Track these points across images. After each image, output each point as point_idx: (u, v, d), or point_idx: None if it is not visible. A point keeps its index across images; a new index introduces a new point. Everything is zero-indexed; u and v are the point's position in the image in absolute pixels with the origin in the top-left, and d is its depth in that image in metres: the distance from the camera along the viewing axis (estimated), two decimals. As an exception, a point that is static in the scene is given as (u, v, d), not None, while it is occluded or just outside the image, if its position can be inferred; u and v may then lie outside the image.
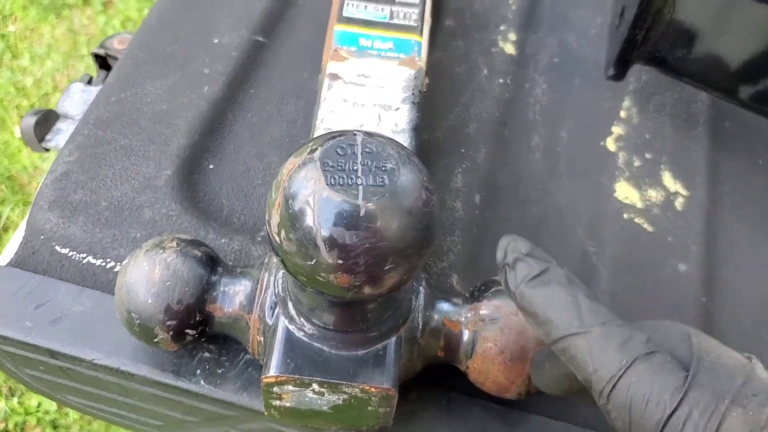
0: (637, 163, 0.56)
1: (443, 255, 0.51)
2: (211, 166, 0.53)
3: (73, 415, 1.29)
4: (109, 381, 0.47)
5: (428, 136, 0.56)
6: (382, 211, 0.31)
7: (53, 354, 0.45)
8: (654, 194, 0.55)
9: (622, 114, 0.59)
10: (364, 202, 0.31)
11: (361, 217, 0.31)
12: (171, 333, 0.41)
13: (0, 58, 1.67)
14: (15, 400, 1.29)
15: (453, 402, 0.45)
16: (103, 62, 0.63)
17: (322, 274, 0.32)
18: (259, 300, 0.41)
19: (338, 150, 0.33)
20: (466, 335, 0.41)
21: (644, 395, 0.29)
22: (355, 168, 0.32)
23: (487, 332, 0.41)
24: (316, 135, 0.48)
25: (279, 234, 0.32)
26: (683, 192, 0.55)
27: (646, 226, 0.53)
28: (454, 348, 0.42)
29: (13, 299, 0.46)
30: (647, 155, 0.57)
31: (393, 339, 0.40)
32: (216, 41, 0.59)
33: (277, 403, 0.40)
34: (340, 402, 0.39)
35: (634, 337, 0.31)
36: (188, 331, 0.41)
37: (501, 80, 0.60)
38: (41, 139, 0.55)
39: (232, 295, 0.41)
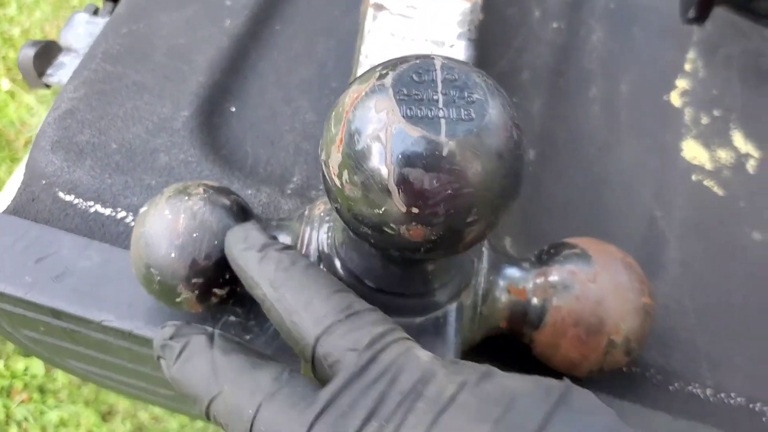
0: (704, 121, 0.51)
1: (494, 215, 0.45)
2: (233, 109, 0.48)
3: (61, 379, 1.23)
4: (119, 346, 0.41)
5: (476, 83, 0.50)
6: (468, 151, 0.26)
7: (57, 314, 0.40)
8: (724, 155, 0.50)
9: (687, 67, 0.53)
10: (448, 139, 0.25)
11: (444, 156, 0.25)
12: (196, 292, 0.35)
13: (-13, 6, 1.59)
14: (1, 363, 1.24)
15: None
16: (111, -8, 0.56)
17: (392, 225, 0.27)
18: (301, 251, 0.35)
19: (414, 76, 0.27)
20: (533, 304, 0.36)
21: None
22: (435, 98, 0.27)
23: (559, 301, 0.35)
24: (359, 73, 0.42)
25: (340, 176, 0.27)
26: (755, 154, 0.50)
27: (716, 189, 0.48)
28: (519, 318, 0.36)
29: (10, 252, 0.40)
30: (715, 112, 0.51)
31: (454, 306, 0.34)
32: (238, -29, 0.53)
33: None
34: (391, 376, 0.34)
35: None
36: (216, 290, 0.35)
37: (555, 24, 0.54)
38: (41, 74, 0.49)
39: (266, 250, 0.35)
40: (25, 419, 1.22)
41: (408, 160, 0.25)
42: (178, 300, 0.35)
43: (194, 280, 0.35)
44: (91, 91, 0.46)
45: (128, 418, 1.25)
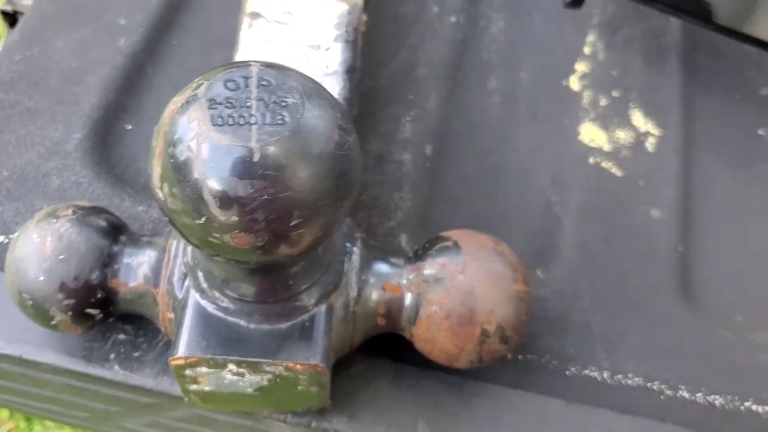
0: (603, 103, 0.51)
1: (390, 213, 0.45)
2: (129, 127, 0.48)
3: None
4: (16, 372, 0.41)
5: (371, 84, 0.50)
6: (282, 155, 0.26)
7: (-54, 345, 0.40)
8: (623, 135, 0.50)
9: (586, 50, 0.53)
10: (259, 145, 0.26)
11: (256, 162, 0.25)
12: (70, 314, 0.35)
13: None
14: None
15: (401, 375, 0.40)
16: (13, 20, 0.56)
17: (215, 234, 0.27)
18: (167, 271, 0.35)
19: (228, 84, 0.27)
20: (408, 299, 0.36)
21: None
22: (248, 104, 0.27)
23: (431, 294, 0.35)
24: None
25: (162, 189, 0.27)
26: (655, 132, 0.50)
27: (614, 170, 0.48)
28: (395, 315, 0.37)
29: None
30: (614, 93, 0.51)
31: (323, 308, 0.34)
32: (134, -11, 0.53)
33: (194, 387, 0.35)
34: (265, 383, 0.34)
35: None
36: (90, 310, 0.36)
37: (453, 19, 0.54)
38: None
39: (136, 267, 0.36)
40: (14, 450, 1.22)
41: (221, 169, 0.26)
42: (53, 323, 0.36)
43: (65, 302, 0.35)
44: (-17, 120, 0.46)
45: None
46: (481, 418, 0.39)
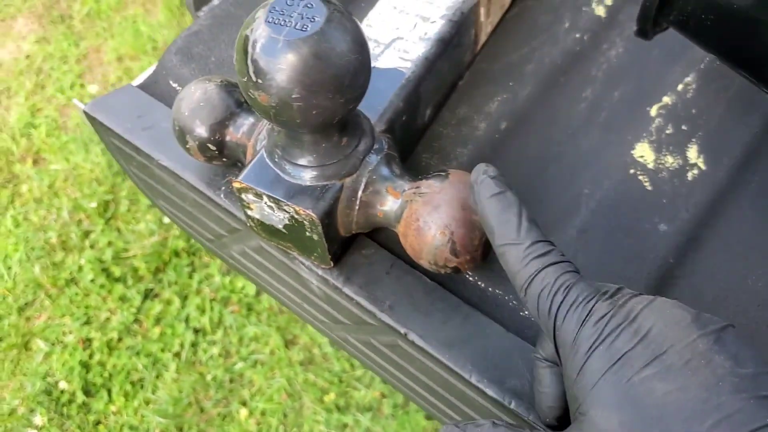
0: (669, 131, 0.58)
1: (448, 161, 0.58)
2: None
3: (264, 303, 1.51)
4: (169, 182, 0.61)
5: (486, 66, 0.63)
6: (296, 48, 0.41)
7: (137, 150, 0.61)
8: (671, 160, 0.57)
9: (680, 87, 0.60)
10: (285, 39, 0.41)
11: (278, 48, 0.41)
12: (197, 143, 0.54)
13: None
14: (228, 278, 1.54)
15: (396, 266, 0.53)
16: None
17: (250, 90, 0.43)
18: (257, 132, 0.52)
19: (288, 1, 0.43)
20: (399, 203, 0.49)
21: (543, 288, 0.39)
22: (292, 15, 0.42)
23: (413, 204, 0.48)
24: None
25: (234, 56, 0.44)
26: (702, 166, 0.56)
27: (647, 184, 0.56)
28: (389, 212, 0.50)
29: (128, 108, 0.63)
30: (684, 127, 0.58)
31: (336, 184, 0.49)
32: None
33: (249, 213, 0.52)
34: (287, 221, 0.50)
35: (553, 251, 0.41)
36: (209, 145, 0.54)
37: (578, 35, 0.64)
38: (198, 9, 0.72)
39: (241, 125, 0.53)
40: (231, 326, 1.51)
41: (259, 47, 0.42)
42: (187, 146, 0.54)
43: (196, 133, 0.53)
44: (215, 21, 0.67)
45: (304, 350, 1.49)
46: (437, 310, 0.51)
